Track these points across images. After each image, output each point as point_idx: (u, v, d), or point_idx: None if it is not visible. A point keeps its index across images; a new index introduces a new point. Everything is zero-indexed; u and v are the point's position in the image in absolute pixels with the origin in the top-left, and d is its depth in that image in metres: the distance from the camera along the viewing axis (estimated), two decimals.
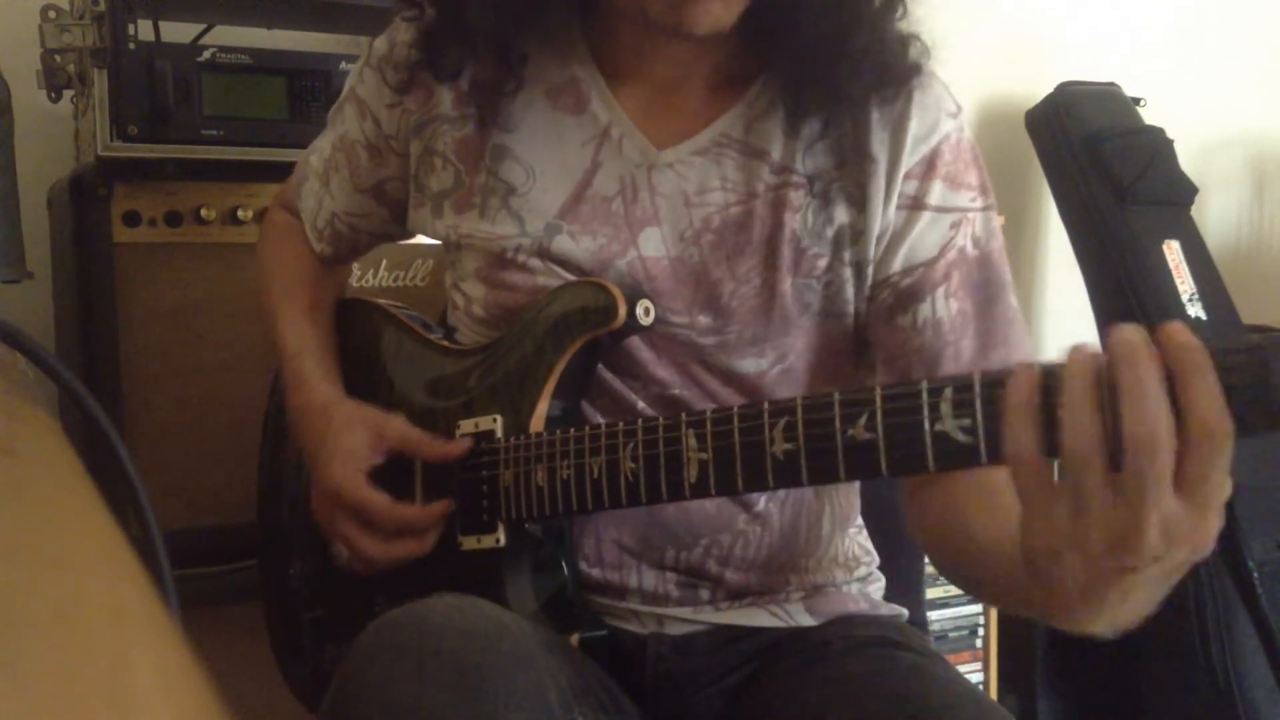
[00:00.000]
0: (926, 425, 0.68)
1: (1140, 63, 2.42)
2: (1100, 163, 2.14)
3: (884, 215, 0.91)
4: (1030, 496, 0.63)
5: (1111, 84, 2.27)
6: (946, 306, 0.91)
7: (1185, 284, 2.10)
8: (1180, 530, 0.59)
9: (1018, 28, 2.36)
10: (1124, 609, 0.64)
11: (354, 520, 0.94)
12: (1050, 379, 0.62)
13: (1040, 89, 2.24)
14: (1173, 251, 2.12)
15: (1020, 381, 0.62)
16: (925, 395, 0.68)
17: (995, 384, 0.66)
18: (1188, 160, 2.23)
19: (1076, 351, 0.62)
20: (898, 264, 0.91)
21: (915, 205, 0.91)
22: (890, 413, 0.70)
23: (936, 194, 0.91)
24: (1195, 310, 2.09)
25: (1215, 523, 0.59)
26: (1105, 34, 2.45)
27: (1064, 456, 0.61)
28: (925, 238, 0.91)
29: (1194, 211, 2.21)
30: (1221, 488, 0.59)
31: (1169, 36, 2.53)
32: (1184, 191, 2.20)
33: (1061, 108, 2.19)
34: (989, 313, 0.92)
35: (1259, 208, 2.68)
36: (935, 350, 0.90)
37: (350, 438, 0.95)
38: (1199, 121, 2.48)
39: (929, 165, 0.91)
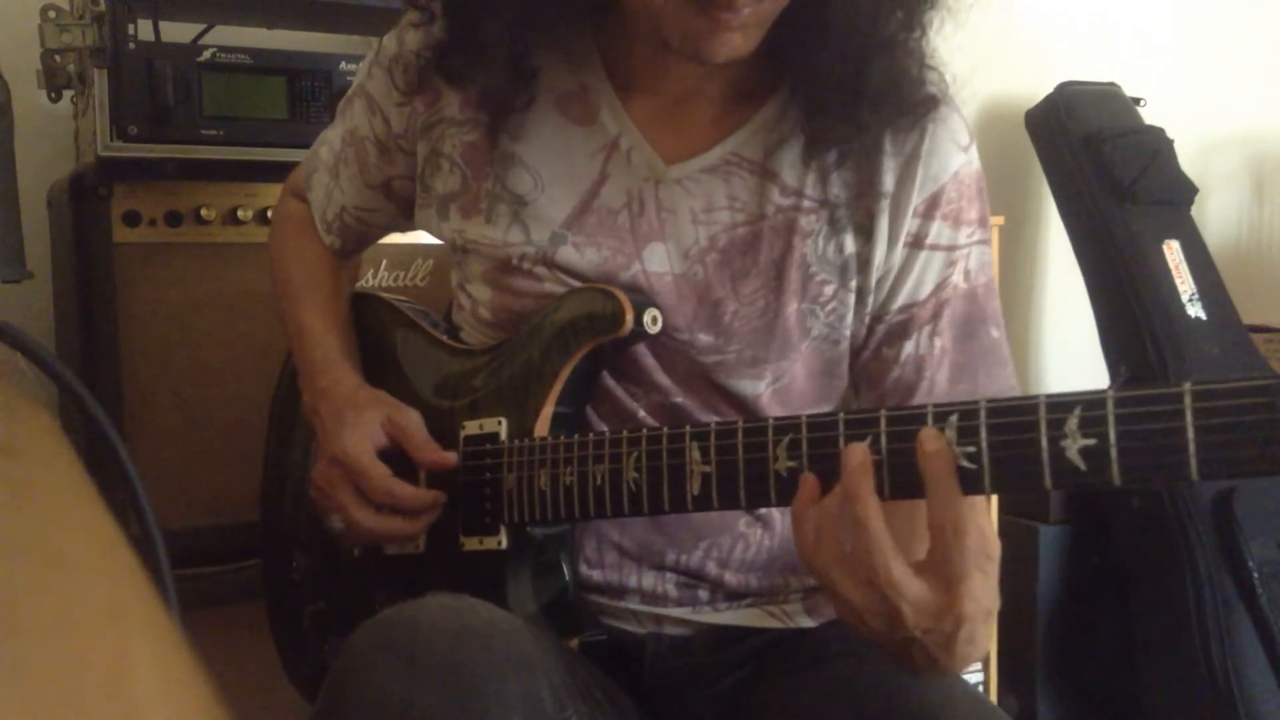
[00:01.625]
0: None
1: (1140, 63, 2.42)
2: (1100, 163, 2.14)
3: (889, 249, 0.91)
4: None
5: (1111, 84, 2.27)
6: (930, 344, 0.92)
7: (1185, 284, 2.10)
8: (931, 607, 0.68)
9: (1018, 28, 2.36)
10: (938, 665, 0.72)
11: (351, 488, 0.94)
12: None
13: (1040, 89, 2.24)
14: (1173, 251, 2.12)
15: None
16: (930, 420, 0.68)
17: (1002, 412, 0.66)
18: (1188, 160, 2.23)
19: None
20: (899, 302, 0.92)
21: (916, 243, 0.91)
22: (894, 436, 0.70)
23: (936, 232, 0.91)
24: (1195, 310, 2.08)
25: (967, 599, 0.68)
26: (1105, 34, 2.45)
27: None
28: (925, 277, 0.92)
29: (1194, 211, 2.21)
30: (962, 569, 0.67)
31: (1169, 36, 2.53)
32: (1184, 191, 2.20)
33: (1061, 108, 2.19)
34: (966, 347, 0.92)
35: (1259, 208, 2.68)
36: (912, 382, 0.92)
37: (369, 414, 0.97)
38: (1199, 121, 2.48)
39: (932, 203, 0.91)
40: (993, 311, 0.94)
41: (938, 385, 0.92)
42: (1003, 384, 0.93)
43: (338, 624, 1.06)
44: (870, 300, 0.92)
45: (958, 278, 0.92)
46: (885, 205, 0.90)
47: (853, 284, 0.92)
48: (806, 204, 0.91)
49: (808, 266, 0.91)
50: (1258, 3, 2.63)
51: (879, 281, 0.92)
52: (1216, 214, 2.62)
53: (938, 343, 0.92)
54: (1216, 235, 2.56)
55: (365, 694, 0.72)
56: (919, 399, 0.91)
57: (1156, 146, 2.18)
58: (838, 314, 0.92)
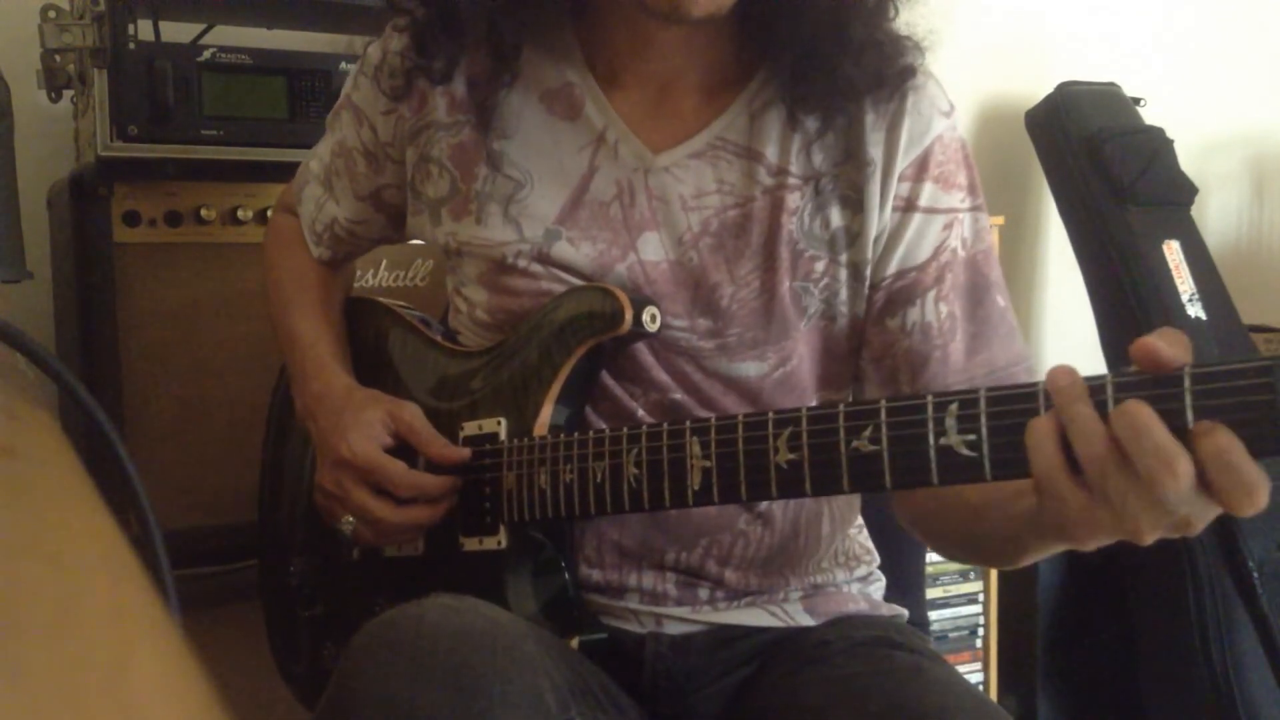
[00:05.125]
0: (931, 439, 0.68)
1: (1140, 63, 2.42)
2: (1100, 163, 2.14)
3: (880, 217, 0.91)
4: (1051, 497, 0.64)
5: (1111, 84, 2.27)
6: (936, 310, 0.91)
7: (1185, 284, 2.10)
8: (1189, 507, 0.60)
9: (1018, 28, 2.36)
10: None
11: (367, 486, 0.94)
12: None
13: (1040, 89, 2.24)
14: (1173, 251, 2.12)
15: (1039, 428, 0.64)
16: (930, 409, 0.68)
17: (1001, 400, 0.66)
18: (1188, 160, 2.23)
19: (1064, 378, 0.63)
20: (893, 267, 0.92)
21: (908, 207, 0.91)
22: (895, 426, 0.70)
23: (927, 195, 0.91)
24: (1195, 310, 2.08)
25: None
26: (1105, 34, 2.45)
27: (1084, 468, 0.62)
28: (920, 241, 0.92)
29: (1194, 211, 2.21)
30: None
31: (1169, 36, 2.53)
32: (1184, 191, 2.20)
33: (1061, 108, 2.19)
34: (975, 315, 0.92)
35: (1259, 208, 2.68)
36: (923, 353, 0.91)
37: (369, 414, 0.96)
38: (1199, 121, 2.48)
39: (921, 166, 0.91)
40: (995, 279, 0.94)
41: (953, 358, 0.91)
42: (1016, 354, 0.93)
43: (336, 628, 1.06)
44: (869, 273, 0.92)
45: (955, 243, 0.92)
46: (872, 174, 0.91)
47: (843, 258, 0.92)
48: (791, 180, 0.92)
49: (796, 243, 0.91)
50: (1258, 3, 2.63)
51: (874, 250, 0.92)
52: (1216, 214, 2.62)
53: (944, 309, 0.91)
54: (1216, 235, 2.57)
55: (369, 694, 0.72)
56: (933, 372, 0.91)
57: (1156, 146, 2.18)
58: (831, 290, 0.92)
